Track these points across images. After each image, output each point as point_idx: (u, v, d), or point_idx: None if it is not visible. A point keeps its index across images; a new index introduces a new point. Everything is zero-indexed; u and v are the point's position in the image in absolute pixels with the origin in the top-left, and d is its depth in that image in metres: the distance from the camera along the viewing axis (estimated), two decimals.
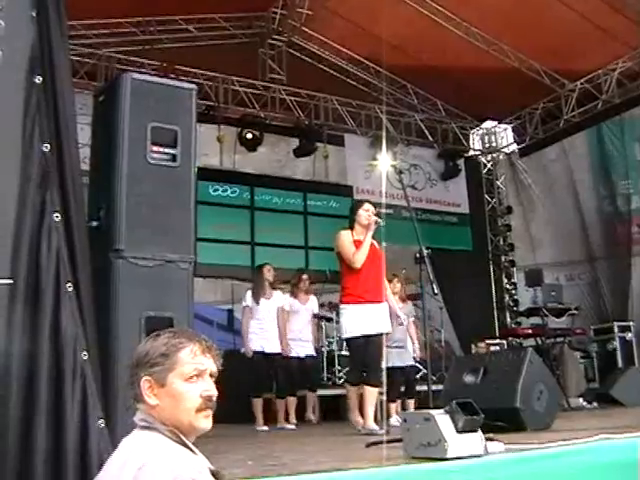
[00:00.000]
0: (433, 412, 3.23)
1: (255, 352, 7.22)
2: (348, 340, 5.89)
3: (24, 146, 2.37)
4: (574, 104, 11.41)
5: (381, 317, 5.69)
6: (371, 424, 5.54)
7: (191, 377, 1.82)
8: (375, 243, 5.88)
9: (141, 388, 1.83)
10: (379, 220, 5.78)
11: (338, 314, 6.45)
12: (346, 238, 5.76)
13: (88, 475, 1.91)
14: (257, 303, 7.29)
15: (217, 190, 10.77)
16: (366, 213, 5.79)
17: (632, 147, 10.83)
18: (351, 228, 5.84)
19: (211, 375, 1.87)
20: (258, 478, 2.77)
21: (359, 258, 5.61)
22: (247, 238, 10.84)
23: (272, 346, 7.29)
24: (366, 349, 5.67)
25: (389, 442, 3.98)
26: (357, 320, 5.60)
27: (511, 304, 13.01)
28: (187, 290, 3.79)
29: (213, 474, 1.79)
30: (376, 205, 6.09)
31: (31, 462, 2.24)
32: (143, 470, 1.67)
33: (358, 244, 5.69)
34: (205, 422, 1.83)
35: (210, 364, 1.87)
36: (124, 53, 10.15)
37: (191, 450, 1.81)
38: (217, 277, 10.20)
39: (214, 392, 1.85)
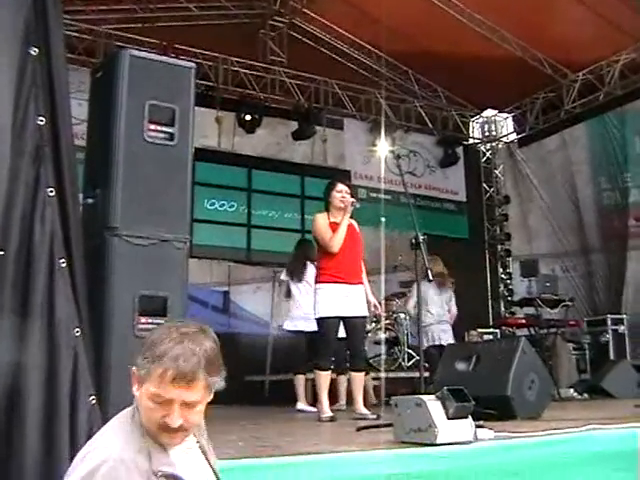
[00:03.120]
0: (424, 398, 3.24)
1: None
2: (321, 320, 5.56)
3: (18, 118, 2.34)
4: (575, 95, 11.36)
5: (358, 299, 5.57)
6: (361, 408, 5.56)
7: (155, 400, 1.68)
8: (354, 223, 5.75)
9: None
10: (354, 200, 5.62)
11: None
12: (322, 222, 5.61)
13: (76, 450, 1.90)
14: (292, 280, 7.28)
15: (214, 171, 10.72)
16: (339, 195, 5.61)
17: (632, 140, 10.80)
18: (327, 211, 5.69)
19: (187, 404, 1.70)
20: (249, 458, 2.78)
21: (336, 242, 5.49)
22: (243, 220, 10.82)
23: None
24: (348, 333, 5.63)
25: (379, 426, 4.00)
26: (332, 300, 5.46)
27: (506, 294, 13.02)
28: (182, 270, 3.78)
29: (168, 477, 1.67)
30: (350, 186, 5.91)
31: (20, 437, 2.24)
32: (88, 450, 1.67)
33: (335, 227, 5.55)
34: (169, 440, 1.71)
35: (180, 395, 1.67)
36: (123, 30, 10.05)
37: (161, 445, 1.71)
38: (212, 258, 10.18)
39: (174, 423, 1.68)
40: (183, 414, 1.69)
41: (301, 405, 7.00)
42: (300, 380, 7.09)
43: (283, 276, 7.37)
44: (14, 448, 2.22)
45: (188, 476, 1.71)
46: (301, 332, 7.11)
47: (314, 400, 7.03)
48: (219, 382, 1.81)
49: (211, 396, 1.80)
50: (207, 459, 1.84)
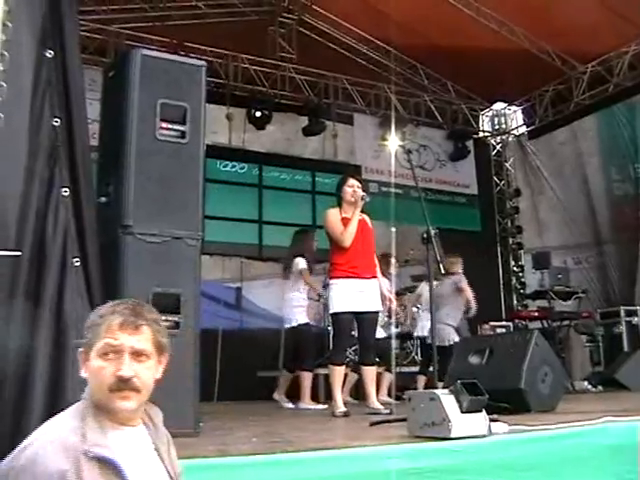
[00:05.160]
0: (438, 392, 3.25)
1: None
2: (335, 315, 5.60)
3: (33, 120, 2.36)
4: (585, 87, 11.31)
5: (371, 293, 5.58)
6: (375, 403, 5.57)
7: (105, 354, 1.69)
8: (366, 218, 5.78)
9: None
10: (365, 195, 5.63)
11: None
12: (334, 217, 5.64)
13: None
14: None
15: (226, 168, 10.76)
16: (350, 189, 5.64)
17: None
18: (339, 206, 5.71)
19: (137, 354, 1.72)
20: (262, 454, 2.80)
21: (347, 237, 5.50)
22: (255, 216, 10.84)
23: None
24: (360, 328, 5.65)
25: (393, 421, 4.01)
26: (346, 295, 5.48)
27: (518, 287, 12.99)
28: (194, 267, 3.81)
29: (100, 460, 1.61)
30: (362, 181, 5.92)
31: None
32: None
33: (346, 222, 5.57)
34: (121, 403, 1.69)
35: (129, 340, 1.70)
36: (134, 29, 10.08)
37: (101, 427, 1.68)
38: (225, 255, 10.21)
39: (127, 373, 1.68)
40: (134, 367, 1.70)
41: (278, 396, 7.11)
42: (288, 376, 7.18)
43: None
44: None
45: (126, 464, 1.64)
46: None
47: (328, 396, 7.05)
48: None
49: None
50: (162, 462, 1.79)
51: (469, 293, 7.70)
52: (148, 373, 1.74)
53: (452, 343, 7.30)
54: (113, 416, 1.71)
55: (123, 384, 1.68)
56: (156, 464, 1.77)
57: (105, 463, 1.60)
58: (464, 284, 7.70)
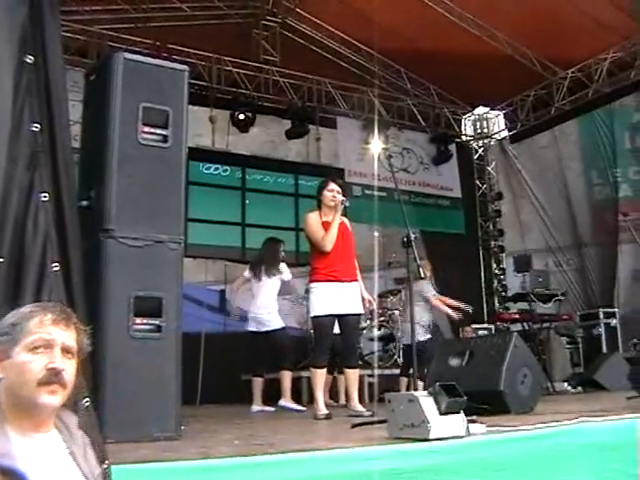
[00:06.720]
0: (417, 394, 3.29)
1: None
2: (316, 319, 5.60)
3: (12, 126, 2.36)
4: (565, 92, 11.45)
5: (352, 296, 5.59)
6: (357, 405, 5.60)
7: (36, 347, 1.67)
8: (346, 221, 5.80)
9: None
10: (345, 200, 5.62)
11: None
12: (314, 221, 5.63)
13: None
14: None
15: (209, 170, 10.77)
16: (330, 194, 5.62)
17: (621, 135, 10.91)
18: (319, 209, 5.71)
19: (66, 350, 1.71)
20: (245, 457, 2.82)
21: (328, 242, 5.50)
22: (238, 219, 10.85)
23: None
24: (342, 330, 5.66)
25: (374, 423, 4.04)
26: (326, 298, 5.49)
27: (500, 289, 13.08)
28: (176, 271, 3.82)
29: (3, 470, 1.54)
30: (343, 185, 5.91)
31: None
32: None
33: (327, 226, 5.56)
34: (48, 398, 1.66)
35: (61, 336, 1.70)
36: (116, 30, 10.06)
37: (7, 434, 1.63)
38: (208, 258, 10.21)
39: (59, 365, 1.67)
40: (63, 362, 1.70)
41: (256, 407, 6.94)
42: (258, 382, 7.04)
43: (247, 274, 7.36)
44: None
45: (34, 474, 1.59)
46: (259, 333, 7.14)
47: (311, 399, 7.05)
48: (87, 344, 1.81)
49: (76, 366, 1.79)
50: (78, 466, 1.76)
51: (443, 308, 7.76)
52: (72, 371, 1.74)
53: (421, 340, 7.28)
54: (31, 418, 1.68)
55: (54, 377, 1.67)
56: (71, 469, 1.74)
57: (9, 473, 1.56)
58: (433, 300, 7.70)
